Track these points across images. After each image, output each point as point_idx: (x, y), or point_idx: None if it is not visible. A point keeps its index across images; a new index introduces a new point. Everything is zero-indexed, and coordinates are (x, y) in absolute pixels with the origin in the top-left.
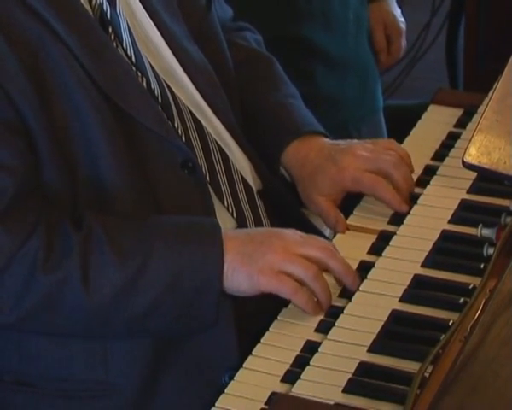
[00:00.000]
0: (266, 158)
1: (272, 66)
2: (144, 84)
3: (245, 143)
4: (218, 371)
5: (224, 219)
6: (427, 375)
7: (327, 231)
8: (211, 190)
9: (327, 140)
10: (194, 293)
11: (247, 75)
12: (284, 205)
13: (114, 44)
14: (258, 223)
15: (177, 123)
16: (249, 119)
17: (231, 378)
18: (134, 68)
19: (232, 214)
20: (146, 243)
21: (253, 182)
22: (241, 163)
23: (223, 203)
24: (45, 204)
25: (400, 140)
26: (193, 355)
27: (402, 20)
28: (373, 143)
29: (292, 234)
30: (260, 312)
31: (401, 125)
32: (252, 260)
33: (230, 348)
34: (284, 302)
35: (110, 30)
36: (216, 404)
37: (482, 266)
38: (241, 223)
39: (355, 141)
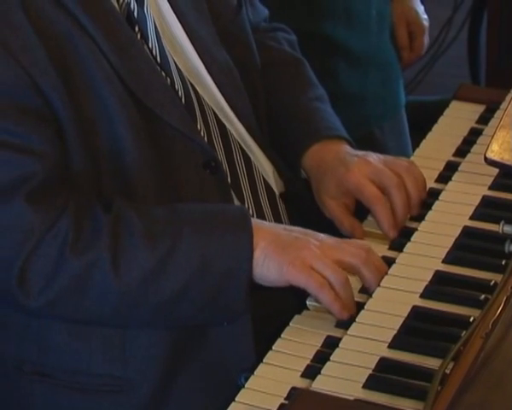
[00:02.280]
0: (288, 161)
1: (300, 68)
2: (168, 83)
3: (267, 147)
4: (233, 372)
5: None
6: (448, 371)
7: None
8: (232, 193)
9: (348, 146)
10: (223, 278)
11: (274, 77)
12: (307, 208)
13: (140, 43)
14: None
15: (199, 124)
16: (273, 121)
17: (247, 380)
18: (159, 68)
19: (253, 217)
20: (175, 227)
21: (276, 185)
22: (264, 166)
23: (244, 206)
24: (74, 188)
25: (422, 136)
26: (209, 356)
27: (425, 16)
28: (393, 158)
29: (327, 237)
30: (277, 314)
31: (423, 121)
32: (285, 251)
33: (247, 349)
34: (299, 305)
35: (136, 29)
36: (236, 399)
37: (503, 262)
38: None
39: (373, 153)
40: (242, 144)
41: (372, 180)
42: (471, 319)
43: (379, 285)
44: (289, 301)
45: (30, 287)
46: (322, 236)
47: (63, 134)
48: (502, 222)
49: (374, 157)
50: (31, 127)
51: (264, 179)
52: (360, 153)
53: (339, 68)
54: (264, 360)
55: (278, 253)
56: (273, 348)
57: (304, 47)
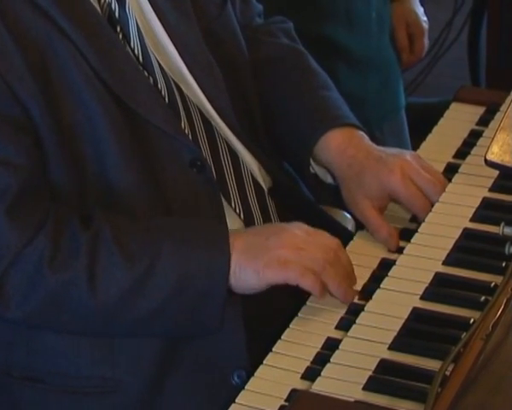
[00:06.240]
0: (296, 156)
1: (300, 58)
2: (151, 83)
3: (251, 145)
4: (226, 370)
5: (232, 220)
6: (448, 373)
7: (350, 225)
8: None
9: (369, 140)
10: (199, 297)
11: (274, 72)
12: (295, 203)
13: (122, 43)
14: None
15: (183, 122)
16: (278, 117)
17: (240, 378)
18: (141, 68)
19: (239, 215)
20: (153, 246)
21: (263, 181)
22: (251, 164)
23: (230, 204)
24: (53, 202)
25: (422, 138)
26: (201, 355)
27: (425, 19)
28: (425, 162)
29: (298, 229)
30: (269, 313)
31: (423, 122)
32: (257, 256)
33: (239, 347)
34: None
35: (118, 29)
36: (236, 400)
37: (504, 264)
38: (248, 224)
39: (406, 151)
40: (228, 141)
41: (413, 182)
42: (471, 321)
43: (379, 287)
44: (285, 301)
45: (7, 300)
46: (293, 227)
47: (42, 142)
48: (502, 224)
49: (408, 155)
50: (8, 137)
51: (252, 176)
52: (394, 151)
53: (339, 70)
54: (264, 362)
55: (250, 261)
56: (273, 349)
57: (304, 48)
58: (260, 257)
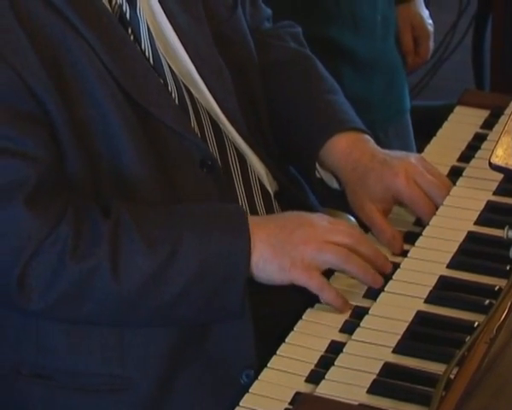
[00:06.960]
0: (302, 160)
1: (307, 62)
2: (162, 83)
3: (258, 148)
4: (234, 370)
5: None
6: (452, 377)
7: None
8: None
9: (373, 143)
10: (221, 281)
11: (281, 76)
12: (301, 207)
13: (133, 44)
14: None
15: (193, 124)
16: (284, 121)
17: (248, 377)
18: (152, 69)
19: None
20: (174, 231)
21: (270, 186)
22: (257, 167)
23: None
24: (73, 192)
25: (426, 141)
26: (210, 355)
27: (430, 21)
28: (430, 164)
29: (320, 220)
30: (278, 313)
31: (427, 126)
32: (284, 252)
33: (247, 347)
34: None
35: (129, 31)
36: (240, 403)
37: (508, 267)
38: None
39: (411, 153)
40: (236, 145)
41: (418, 184)
42: (475, 325)
43: (383, 290)
44: (292, 301)
45: (29, 292)
46: (315, 218)
47: (58, 136)
48: (506, 227)
49: (413, 159)
50: (24, 131)
51: (259, 180)
52: (398, 153)
53: (344, 73)
54: (268, 365)
55: (276, 255)
56: (277, 352)
57: (309, 51)
58: (287, 253)
